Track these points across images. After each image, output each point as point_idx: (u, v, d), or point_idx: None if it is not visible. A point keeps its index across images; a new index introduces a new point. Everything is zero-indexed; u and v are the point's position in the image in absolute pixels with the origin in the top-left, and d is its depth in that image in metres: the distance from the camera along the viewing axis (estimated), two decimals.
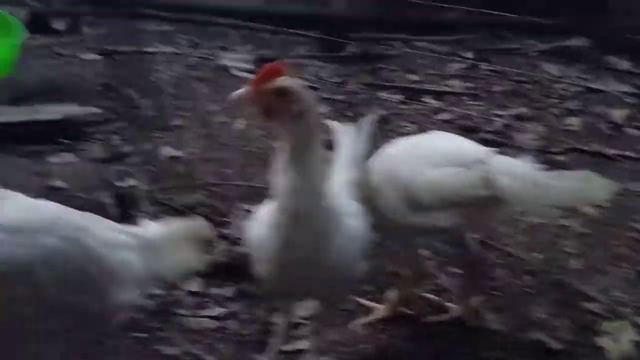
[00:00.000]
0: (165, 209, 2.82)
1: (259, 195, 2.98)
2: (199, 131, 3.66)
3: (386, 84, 4.71)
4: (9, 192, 1.51)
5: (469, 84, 4.71)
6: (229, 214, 2.83)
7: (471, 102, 4.37)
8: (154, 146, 3.45)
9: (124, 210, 2.61)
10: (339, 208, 1.68)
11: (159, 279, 1.71)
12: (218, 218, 2.79)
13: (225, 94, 4.24)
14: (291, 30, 5.87)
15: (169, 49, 5.39)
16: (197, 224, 1.82)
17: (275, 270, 1.67)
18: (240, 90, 1.59)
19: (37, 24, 4.91)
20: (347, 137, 2.07)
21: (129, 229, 1.66)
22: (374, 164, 2.06)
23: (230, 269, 2.46)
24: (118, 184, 2.89)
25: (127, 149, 3.44)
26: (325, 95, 4.31)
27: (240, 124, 3.64)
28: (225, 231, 2.69)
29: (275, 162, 1.60)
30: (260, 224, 1.71)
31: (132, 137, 3.69)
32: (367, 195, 1.95)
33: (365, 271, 1.81)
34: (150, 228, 1.71)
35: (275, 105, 1.54)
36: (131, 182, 2.96)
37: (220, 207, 2.89)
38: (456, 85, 4.69)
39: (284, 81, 1.54)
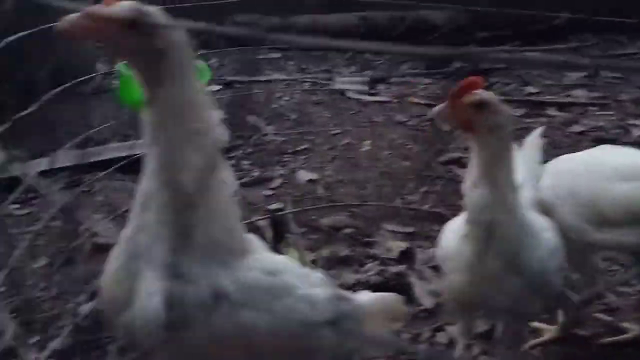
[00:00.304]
0: (311, 231, 2.90)
1: (399, 215, 3.04)
2: (328, 154, 3.75)
3: (503, 97, 4.63)
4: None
5: (593, 94, 4.54)
6: (373, 234, 2.87)
7: (600, 112, 4.20)
8: (290, 170, 3.56)
9: (278, 232, 2.70)
10: (533, 221, 1.66)
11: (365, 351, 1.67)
12: (363, 238, 2.84)
13: (346, 117, 4.38)
14: (394, 49, 5.91)
15: (282, 76, 5.60)
16: (393, 299, 1.71)
17: (467, 282, 1.66)
18: (440, 105, 1.62)
19: None
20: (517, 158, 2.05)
21: (345, 294, 1.51)
22: (545, 181, 2.01)
23: (385, 289, 2.48)
24: (268, 207, 2.99)
25: (265, 174, 3.56)
26: None
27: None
28: (373, 251, 2.73)
29: (468, 175, 1.62)
30: (453, 235, 1.72)
31: (262, 162, 3.83)
32: (540, 212, 1.92)
33: (561, 286, 1.77)
34: (355, 297, 1.56)
35: (473, 118, 1.56)
36: (275, 205, 3.06)
37: (363, 227, 2.93)
38: (580, 95, 4.54)
39: (482, 94, 1.56)
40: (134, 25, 1.11)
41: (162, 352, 1.28)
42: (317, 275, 1.45)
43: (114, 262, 1.30)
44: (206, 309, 1.19)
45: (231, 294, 1.21)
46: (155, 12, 1.17)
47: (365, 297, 1.62)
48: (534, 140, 2.07)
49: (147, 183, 1.22)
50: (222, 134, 1.27)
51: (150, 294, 1.18)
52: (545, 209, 1.96)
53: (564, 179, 1.98)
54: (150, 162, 1.21)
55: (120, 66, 1.55)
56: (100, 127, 3.18)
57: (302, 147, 3.96)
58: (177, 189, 1.19)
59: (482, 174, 1.57)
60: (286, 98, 4.82)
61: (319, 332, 1.34)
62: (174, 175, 1.19)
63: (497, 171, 1.56)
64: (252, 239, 1.40)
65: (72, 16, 1.09)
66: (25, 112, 1.99)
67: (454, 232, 1.72)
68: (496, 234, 1.58)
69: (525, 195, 1.81)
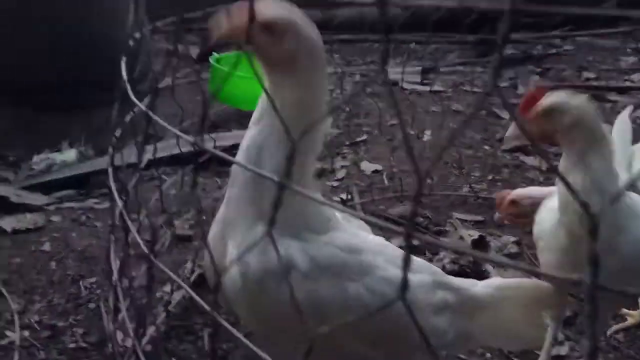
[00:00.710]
0: (382, 221, 2.95)
1: (467, 204, 3.06)
2: (389, 145, 3.78)
3: (560, 83, 4.58)
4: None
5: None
6: (443, 223, 2.90)
7: None
8: (351, 162, 3.61)
9: None
10: (632, 203, 1.63)
11: (476, 343, 1.64)
12: (434, 227, 2.87)
13: (402, 108, 4.39)
14: (441, 38, 5.89)
15: (330, 69, 5.65)
16: (532, 285, 1.56)
17: (561, 264, 1.67)
18: (510, 130, 1.66)
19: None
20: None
21: (450, 282, 1.45)
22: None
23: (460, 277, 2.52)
24: (335, 198, 3.05)
25: (326, 166, 3.62)
26: (500, 100, 4.28)
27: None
28: (445, 240, 2.77)
29: (561, 161, 1.62)
30: (549, 214, 1.72)
31: (320, 155, 3.89)
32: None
33: None
34: (478, 283, 1.50)
35: (548, 127, 1.54)
36: (343, 196, 3.12)
37: (433, 216, 2.96)
38: (639, 79, 4.47)
39: (545, 101, 1.54)
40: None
41: (248, 320, 1.40)
42: (419, 261, 1.45)
43: (212, 228, 1.43)
44: (276, 279, 1.23)
45: (300, 265, 1.25)
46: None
47: (493, 282, 1.53)
48: (622, 120, 2.05)
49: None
50: (328, 127, 1.33)
51: (230, 262, 1.28)
52: None
53: None
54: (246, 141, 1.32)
55: (214, 58, 1.63)
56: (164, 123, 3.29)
57: (360, 138, 4.00)
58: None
59: (575, 163, 1.56)
60: (337, 91, 4.86)
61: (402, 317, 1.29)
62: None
63: (591, 159, 1.55)
64: (339, 218, 1.40)
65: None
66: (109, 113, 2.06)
67: (550, 211, 1.72)
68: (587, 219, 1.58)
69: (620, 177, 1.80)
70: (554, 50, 5.45)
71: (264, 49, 1.21)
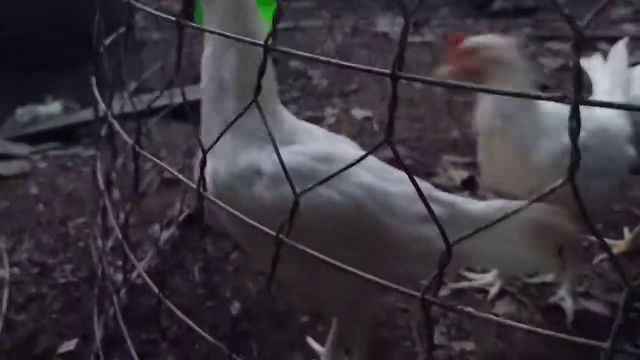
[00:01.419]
0: None
1: (457, 146, 3.06)
2: (379, 93, 3.76)
3: (552, 34, 4.56)
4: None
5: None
6: (434, 165, 2.90)
7: None
8: (342, 110, 3.59)
9: None
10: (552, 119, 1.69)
11: (475, 261, 1.63)
12: (424, 169, 2.87)
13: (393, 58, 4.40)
14: None
15: (319, 23, 5.57)
16: (544, 211, 1.38)
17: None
18: (441, 68, 1.80)
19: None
20: (600, 70, 2.03)
21: (441, 197, 1.41)
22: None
23: None
24: None
25: (317, 114, 3.60)
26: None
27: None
28: (435, 181, 2.77)
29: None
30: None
31: (311, 105, 3.86)
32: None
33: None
34: (479, 204, 1.42)
35: (475, 64, 1.70)
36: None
37: (423, 159, 2.96)
38: (631, 29, 4.44)
39: (469, 42, 1.73)
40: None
41: (228, 226, 1.40)
42: (399, 174, 1.39)
43: (197, 154, 1.47)
44: (244, 183, 1.28)
45: (267, 170, 1.26)
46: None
47: (495, 204, 1.42)
48: (619, 49, 2.04)
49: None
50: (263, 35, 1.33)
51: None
52: None
53: None
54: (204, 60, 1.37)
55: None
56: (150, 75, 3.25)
57: (351, 88, 3.97)
58: (221, 85, 1.34)
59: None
60: (330, 43, 4.81)
61: (373, 218, 1.29)
62: (218, 72, 1.34)
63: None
64: (319, 135, 1.43)
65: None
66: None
67: None
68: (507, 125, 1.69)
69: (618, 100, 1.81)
70: (546, 3, 5.41)
71: None
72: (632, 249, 2.18)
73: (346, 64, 0.71)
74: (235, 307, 1.95)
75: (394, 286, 0.72)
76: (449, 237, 1.37)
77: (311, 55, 0.77)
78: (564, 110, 0.59)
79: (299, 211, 0.95)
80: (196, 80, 2.51)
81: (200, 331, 1.01)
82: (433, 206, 1.37)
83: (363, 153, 1.39)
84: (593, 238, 2.26)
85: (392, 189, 1.34)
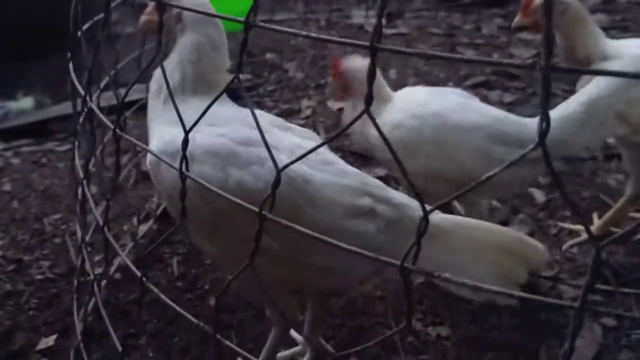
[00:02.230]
0: (347, 155, 2.98)
1: None
2: None
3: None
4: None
5: (613, 17, 4.53)
6: None
7: (622, 35, 4.21)
8: (317, 102, 3.61)
9: None
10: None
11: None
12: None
13: (367, 50, 4.44)
14: None
15: (293, 16, 5.58)
16: (532, 245, 1.37)
17: None
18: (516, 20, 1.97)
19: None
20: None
21: (389, 196, 1.37)
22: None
23: None
24: None
25: (293, 106, 3.61)
26: (466, 41, 4.31)
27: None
28: None
29: None
30: None
31: (286, 98, 3.87)
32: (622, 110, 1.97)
33: None
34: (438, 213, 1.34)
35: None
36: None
37: None
38: (602, 19, 4.53)
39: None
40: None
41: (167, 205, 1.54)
42: (351, 170, 1.40)
43: None
44: (169, 159, 1.27)
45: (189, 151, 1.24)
46: None
47: (455, 218, 1.37)
48: None
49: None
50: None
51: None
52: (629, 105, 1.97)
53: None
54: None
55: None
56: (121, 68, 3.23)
57: (326, 80, 3.99)
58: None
59: None
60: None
61: (297, 207, 1.28)
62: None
63: None
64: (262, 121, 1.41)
65: None
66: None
67: None
68: None
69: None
70: None
71: None
72: (601, 234, 2.24)
73: (327, 37, 0.74)
74: (214, 299, 1.97)
75: (372, 255, 0.76)
76: (397, 238, 1.32)
77: (292, 31, 0.79)
78: None
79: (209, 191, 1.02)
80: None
81: (187, 315, 1.02)
82: (377, 204, 1.36)
83: (302, 142, 1.44)
84: (562, 224, 2.33)
85: (315, 178, 1.32)
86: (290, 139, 1.44)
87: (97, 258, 2.22)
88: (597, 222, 2.28)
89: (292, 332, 1.80)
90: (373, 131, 1.67)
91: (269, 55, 4.61)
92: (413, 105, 1.90)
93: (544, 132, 0.60)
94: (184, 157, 0.99)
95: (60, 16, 2.09)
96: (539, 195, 2.54)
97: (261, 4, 5.66)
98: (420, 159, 1.83)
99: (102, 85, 2.29)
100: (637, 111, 1.97)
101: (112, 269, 2.13)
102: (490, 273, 1.33)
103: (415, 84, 3.57)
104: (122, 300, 2.03)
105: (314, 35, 0.76)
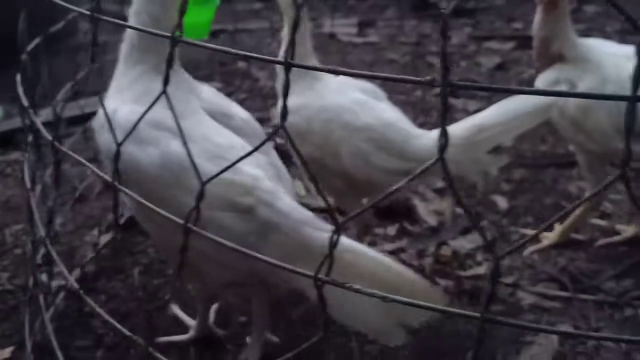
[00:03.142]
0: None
1: None
2: None
3: (492, 34, 4.70)
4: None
5: (578, 26, 4.61)
6: None
7: None
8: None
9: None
10: None
11: None
12: None
13: (338, 58, 4.41)
14: None
15: (265, 25, 5.59)
16: (426, 287, 1.40)
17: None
18: None
19: None
20: None
21: (279, 206, 1.41)
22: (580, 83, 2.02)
23: (390, 212, 2.58)
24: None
25: (264, 115, 3.61)
26: (434, 50, 4.36)
27: None
28: None
29: None
30: None
31: (257, 106, 3.88)
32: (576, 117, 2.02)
33: None
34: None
35: None
36: (278, 140, 3.12)
37: None
38: None
39: None
40: None
41: None
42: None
43: None
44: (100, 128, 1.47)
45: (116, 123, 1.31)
46: None
47: (351, 243, 1.36)
48: None
49: None
50: None
51: None
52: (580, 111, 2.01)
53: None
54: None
55: None
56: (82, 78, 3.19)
57: None
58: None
59: None
60: (275, 44, 4.83)
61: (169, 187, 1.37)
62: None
63: None
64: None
65: None
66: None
67: None
68: None
69: None
70: (485, 4, 5.58)
71: None
72: (560, 240, 2.28)
73: (240, 52, 0.75)
74: (173, 310, 1.95)
75: (285, 265, 0.76)
76: (267, 244, 1.34)
77: (213, 46, 0.80)
78: None
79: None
80: None
81: (122, 328, 1.01)
82: (261, 207, 1.36)
83: (241, 143, 1.50)
84: (524, 230, 2.36)
85: (200, 168, 1.30)
86: (211, 131, 1.48)
87: (57, 269, 2.20)
88: (557, 229, 2.31)
89: (183, 316, 1.86)
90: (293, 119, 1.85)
91: (240, 64, 4.62)
92: (317, 94, 1.92)
93: (442, 146, 0.61)
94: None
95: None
96: (502, 202, 2.57)
97: (236, 12, 5.68)
98: (308, 148, 1.87)
99: (59, 96, 2.26)
100: (592, 120, 2.01)
101: (71, 280, 2.10)
102: (377, 309, 1.30)
103: (384, 92, 3.61)
104: (81, 312, 2.00)
105: (221, 48, 0.76)
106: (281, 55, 2.11)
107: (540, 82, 2.12)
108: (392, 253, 2.26)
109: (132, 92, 1.51)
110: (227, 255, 1.20)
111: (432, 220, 2.50)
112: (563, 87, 2.05)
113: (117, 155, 1.01)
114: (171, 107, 0.90)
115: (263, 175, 1.44)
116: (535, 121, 1.84)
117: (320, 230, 1.39)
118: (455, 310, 0.68)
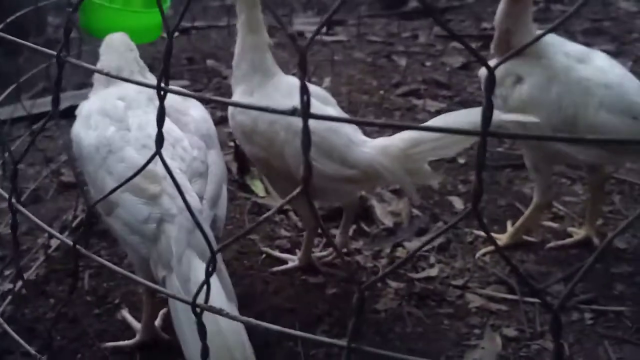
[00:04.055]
0: None
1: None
2: None
3: (460, 33, 4.72)
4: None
5: (545, 25, 4.66)
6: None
7: None
8: None
9: (242, 165, 2.78)
10: None
11: None
12: None
13: (307, 56, 4.41)
14: None
15: (220, 23, 5.54)
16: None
17: None
18: None
19: None
20: None
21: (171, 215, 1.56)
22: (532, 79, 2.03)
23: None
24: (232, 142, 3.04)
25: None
26: (401, 49, 4.37)
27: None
28: None
29: None
30: None
31: (224, 104, 3.85)
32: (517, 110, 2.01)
33: None
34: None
35: None
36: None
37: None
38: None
39: None
40: None
41: None
42: (180, 152, 1.64)
43: None
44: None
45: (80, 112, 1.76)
46: None
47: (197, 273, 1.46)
48: None
49: None
50: None
51: None
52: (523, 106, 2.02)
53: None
54: None
55: None
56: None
57: None
58: None
59: None
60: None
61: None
62: None
63: None
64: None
65: None
66: None
67: None
68: None
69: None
70: (456, 3, 5.60)
71: None
72: (513, 242, 2.30)
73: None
74: (122, 314, 1.94)
75: (159, 288, 0.76)
76: (161, 237, 1.49)
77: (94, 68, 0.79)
78: None
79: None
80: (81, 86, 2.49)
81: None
82: (164, 197, 1.53)
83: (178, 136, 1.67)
84: (477, 232, 2.38)
85: (123, 153, 1.59)
86: (149, 123, 1.65)
87: (7, 272, 2.17)
88: (509, 230, 2.34)
89: (131, 320, 1.89)
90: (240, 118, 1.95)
91: (209, 62, 4.58)
92: (266, 94, 1.94)
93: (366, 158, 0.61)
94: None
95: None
96: (458, 204, 2.59)
97: (208, 9, 5.60)
98: (253, 148, 1.94)
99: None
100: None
101: (19, 284, 2.07)
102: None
103: (348, 92, 3.61)
104: (28, 317, 1.98)
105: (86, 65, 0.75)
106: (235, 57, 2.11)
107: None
108: (348, 254, 2.28)
109: (105, 90, 1.84)
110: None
111: (388, 222, 2.51)
112: (509, 81, 2.06)
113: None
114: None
115: (176, 168, 1.57)
116: (471, 141, 1.82)
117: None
118: (322, 339, 0.68)
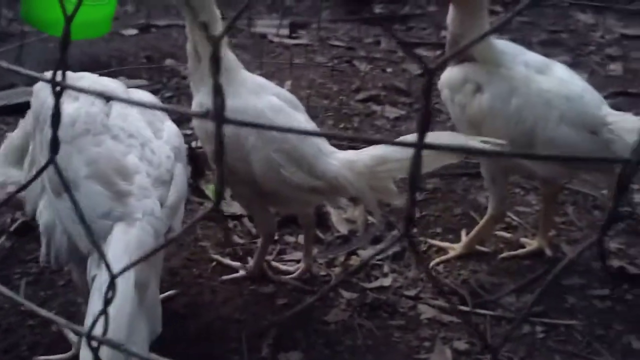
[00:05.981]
0: None
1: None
2: None
3: (421, 41, 4.73)
4: None
5: (504, 36, 4.71)
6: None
7: None
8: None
9: (198, 168, 2.70)
10: None
11: None
12: None
13: (267, 59, 4.34)
14: None
15: (179, 22, 5.44)
16: None
17: None
18: None
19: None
20: None
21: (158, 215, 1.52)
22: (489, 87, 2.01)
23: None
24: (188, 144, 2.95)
25: (185, 115, 3.49)
26: (363, 54, 4.35)
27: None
28: None
29: None
30: None
31: (183, 104, 3.75)
32: (475, 118, 2.01)
33: None
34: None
35: None
36: (195, 143, 3.03)
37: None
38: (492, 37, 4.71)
39: None
40: None
41: None
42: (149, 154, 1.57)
43: None
44: None
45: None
46: None
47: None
48: None
49: None
50: None
51: None
52: (483, 115, 2.01)
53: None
54: None
55: None
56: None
57: None
58: None
59: None
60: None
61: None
62: None
63: None
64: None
65: None
66: None
67: None
68: None
69: None
70: (419, 11, 5.62)
71: None
72: (467, 252, 2.28)
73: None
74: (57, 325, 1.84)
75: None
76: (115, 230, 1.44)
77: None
78: None
79: None
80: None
81: None
82: (130, 196, 1.47)
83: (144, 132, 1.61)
84: (431, 241, 2.36)
85: (101, 138, 1.54)
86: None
87: None
88: (464, 239, 2.32)
89: (67, 331, 1.79)
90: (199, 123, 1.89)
91: (168, 61, 4.47)
92: (233, 92, 1.80)
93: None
94: None
95: None
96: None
97: (169, 7, 5.49)
98: None
99: None
100: (487, 127, 2.00)
101: None
102: None
103: (309, 96, 3.56)
104: None
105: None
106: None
107: (446, 78, 2.10)
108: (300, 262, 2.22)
109: None
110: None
111: (343, 229, 2.47)
112: (469, 87, 2.04)
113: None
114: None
115: (143, 171, 1.52)
116: (441, 161, 1.81)
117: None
118: None
